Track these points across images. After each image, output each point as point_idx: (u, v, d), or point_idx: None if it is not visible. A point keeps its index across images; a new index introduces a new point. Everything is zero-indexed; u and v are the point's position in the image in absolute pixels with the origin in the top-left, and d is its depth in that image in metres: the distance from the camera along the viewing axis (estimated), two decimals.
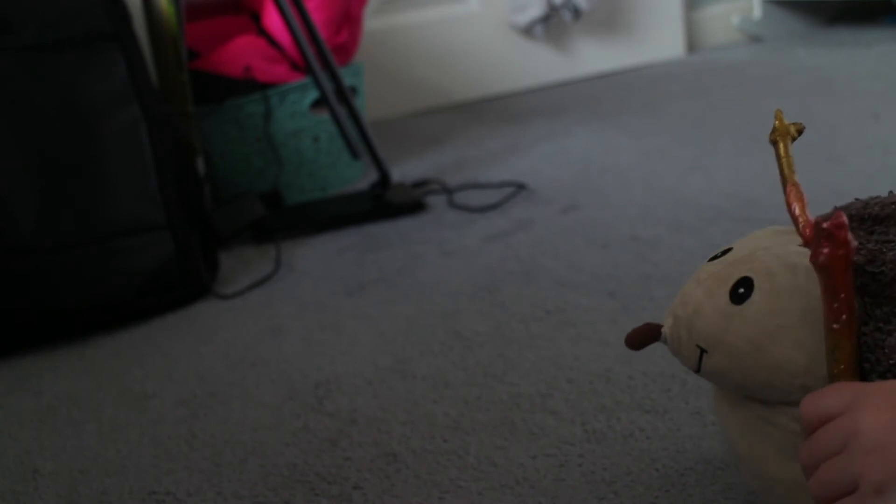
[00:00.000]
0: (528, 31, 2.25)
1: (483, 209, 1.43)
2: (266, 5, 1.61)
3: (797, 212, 0.56)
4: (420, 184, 1.57)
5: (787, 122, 0.58)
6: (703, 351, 0.57)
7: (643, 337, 0.61)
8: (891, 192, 0.64)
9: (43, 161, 1.12)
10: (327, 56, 1.46)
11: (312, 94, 1.55)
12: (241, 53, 1.54)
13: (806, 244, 0.54)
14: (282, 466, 0.81)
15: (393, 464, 0.79)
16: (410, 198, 1.48)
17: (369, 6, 1.78)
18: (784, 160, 0.58)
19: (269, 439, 0.86)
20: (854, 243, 0.51)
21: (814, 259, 0.51)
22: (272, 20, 1.58)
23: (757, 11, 2.52)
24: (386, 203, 1.47)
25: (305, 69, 1.50)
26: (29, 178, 1.12)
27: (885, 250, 0.56)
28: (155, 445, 0.87)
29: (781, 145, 0.58)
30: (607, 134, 1.77)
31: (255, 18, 1.67)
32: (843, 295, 0.51)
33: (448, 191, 1.52)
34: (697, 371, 0.59)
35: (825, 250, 0.50)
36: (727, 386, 0.59)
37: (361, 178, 1.67)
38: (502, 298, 1.10)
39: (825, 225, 0.50)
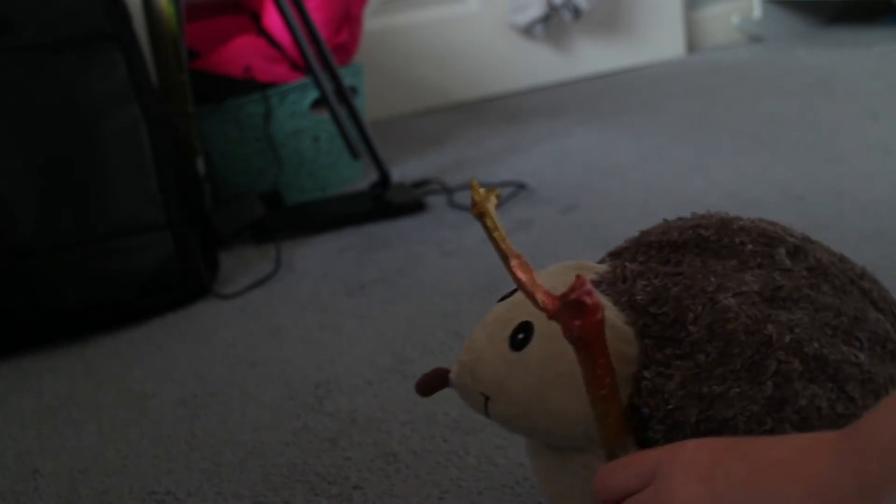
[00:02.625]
0: (528, 31, 2.25)
1: None
2: (266, 5, 1.61)
3: (530, 286, 0.50)
4: (420, 184, 1.57)
5: (481, 191, 0.52)
6: (487, 398, 0.56)
7: (432, 382, 0.60)
8: (704, 212, 0.61)
9: (43, 161, 1.12)
10: (327, 56, 1.46)
11: (312, 94, 1.55)
12: (241, 53, 1.54)
13: (550, 317, 0.49)
14: (282, 466, 0.81)
15: (393, 464, 0.79)
16: (410, 198, 1.48)
17: (369, 6, 1.78)
18: (496, 233, 0.51)
19: (269, 439, 0.86)
20: (602, 303, 0.49)
21: (568, 334, 0.48)
22: (272, 20, 1.58)
23: (757, 11, 2.52)
24: (386, 203, 1.47)
25: (305, 69, 1.50)
26: (29, 178, 1.12)
27: (670, 286, 0.53)
28: (155, 445, 0.87)
29: (488, 218, 0.52)
30: (607, 134, 1.77)
31: (255, 18, 1.67)
32: (602, 360, 0.49)
33: (448, 191, 1.52)
34: (487, 416, 0.57)
35: (577, 323, 0.47)
36: (516, 431, 0.58)
37: (361, 178, 1.67)
38: None
39: (572, 296, 0.47)
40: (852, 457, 0.38)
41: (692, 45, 2.49)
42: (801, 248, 0.57)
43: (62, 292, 1.12)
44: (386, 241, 1.36)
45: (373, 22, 2.02)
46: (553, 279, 0.56)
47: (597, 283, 0.56)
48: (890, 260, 1.03)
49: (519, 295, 0.57)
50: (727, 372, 0.50)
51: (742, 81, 2.06)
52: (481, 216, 0.52)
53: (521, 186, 1.50)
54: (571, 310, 0.47)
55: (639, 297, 0.54)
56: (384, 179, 1.50)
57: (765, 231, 0.58)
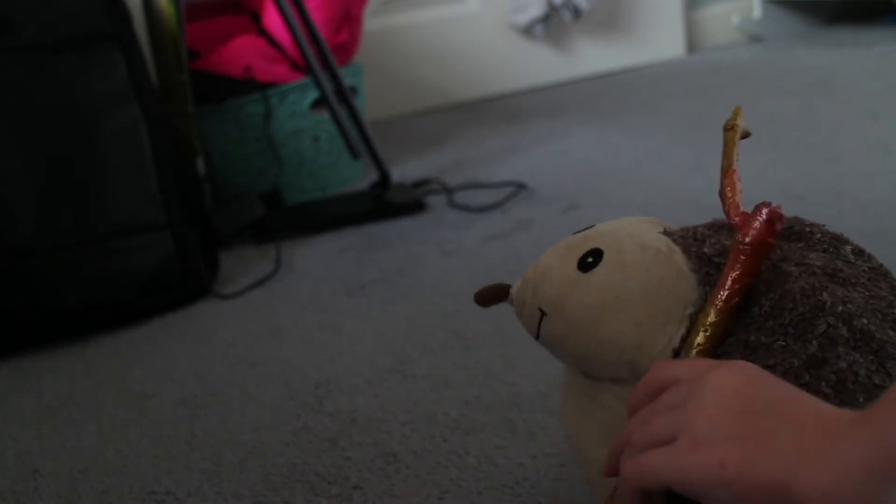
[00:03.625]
0: (528, 31, 2.25)
1: (483, 209, 1.43)
2: (266, 5, 1.61)
3: (729, 193, 0.56)
4: (420, 184, 1.57)
5: (741, 121, 0.61)
6: (543, 314, 0.57)
7: (492, 294, 0.61)
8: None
9: (43, 161, 1.12)
10: (327, 56, 1.46)
11: (312, 94, 1.55)
12: (241, 53, 1.54)
13: (732, 225, 0.54)
14: (282, 466, 0.81)
15: (393, 464, 0.79)
16: (410, 198, 1.48)
17: (369, 6, 1.78)
18: (732, 148, 0.59)
19: (269, 439, 0.86)
20: (675, 247, 0.54)
21: (741, 236, 0.51)
22: (272, 20, 1.58)
23: (757, 11, 2.52)
24: (386, 203, 1.47)
25: (305, 69, 1.50)
26: (29, 178, 1.12)
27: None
28: (155, 445, 0.87)
29: (731, 133, 0.60)
30: (607, 134, 1.77)
31: (255, 18, 1.67)
32: (746, 279, 0.52)
33: (448, 191, 1.52)
34: (537, 337, 0.59)
35: (755, 232, 0.51)
36: (561, 355, 0.59)
37: (361, 178, 1.67)
38: None
39: (772, 207, 0.51)
40: (871, 447, 0.38)
41: (692, 45, 2.49)
42: (864, 251, 0.60)
43: (62, 292, 1.12)
44: (386, 241, 1.36)
45: (373, 22, 2.02)
46: (626, 223, 0.60)
47: (669, 234, 0.59)
48: (890, 260, 1.03)
49: (596, 229, 0.59)
50: (776, 325, 0.52)
51: (742, 81, 2.06)
52: (727, 129, 0.59)
53: (521, 186, 1.50)
54: (763, 220, 0.51)
55: (706, 250, 0.56)
56: (384, 179, 1.50)
57: (833, 232, 0.61)
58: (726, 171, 0.58)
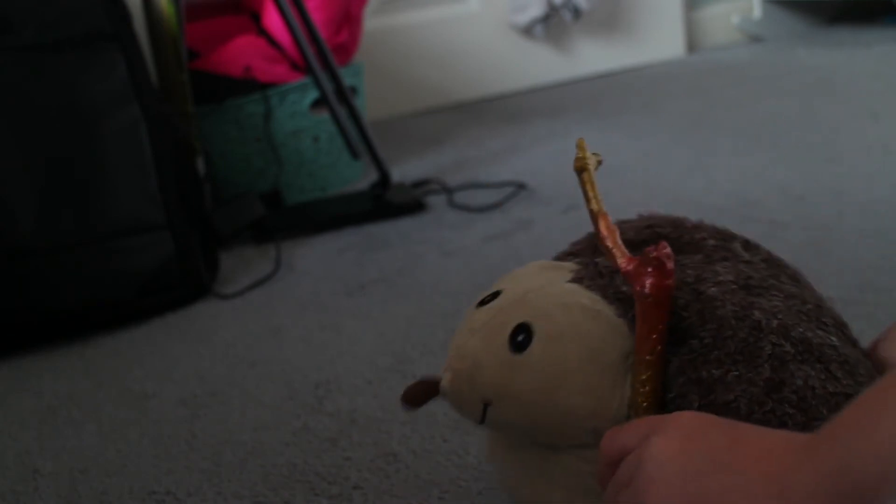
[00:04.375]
0: (528, 31, 2.25)
1: (483, 209, 1.43)
2: (266, 5, 1.61)
3: (610, 243, 0.53)
4: (420, 184, 1.57)
5: (588, 152, 0.57)
6: (486, 405, 0.54)
7: (420, 394, 0.57)
8: (641, 214, 0.64)
9: (43, 161, 1.12)
10: (327, 56, 1.46)
11: (312, 94, 1.55)
12: (241, 53, 1.54)
13: (625, 276, 0.52)
14: (282, 466, 0.81)
15: (393, 464, 0.79)
16: (410, 198, 1.48)
17: (369, 6, 1.78)
18: (591, 190, 0.56)
19: (269, 439, 0.86)
20: (595, 297, 0.52)
21: (640, 288, 0.50)
22: (272, 20, 1.58)
23: (757, 11, 2.52)
24: (386, 203, 1.47)
25: (305, 69, 1.50)
26: (29, 178, 1.12)
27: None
28: (155, 445, 0.87)
29: (586, 174, 0.56)
30: (607, 134, 1.77)
31: (255, 18, 1.67)
32: (660, 326, 0.50)
33: (448, 191, 1.52)
34: (481, 422, 0.56)
35: (651, 280, 0.49)
36: (513, 434, 0.57)
37: (361, 178, 1.67)
38: None
39: (654, 253, 0.49)
40: (833, 470, 0.38)
41: (692, 45, 2.49)
42: (750, 242, 0.59)
43: (62, 292, 1.12)
44: (386, 241, 1.36)
45: (373, 22, 2.02)
46: (530, 279, 0.57)
47: (578, 280, 0.56)
48: (890, 260, 1.03)
49: (506, 297, 0.56)
50: (722, 356, 0.51)
51: (742, 81, 2.06)
52: (582, 170, 0.56)
53: (521, 186, 1.50)
54: (651, 266, 0.49)
55: (624, 289, 0.54)
56: (384, 179, 1.50)
57: (716, 227, 0.60)
58: (597, 216, 0.55)
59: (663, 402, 0.52)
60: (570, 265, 0.59)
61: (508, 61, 2.27)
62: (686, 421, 0.45)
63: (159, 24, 1.43)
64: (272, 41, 1.59)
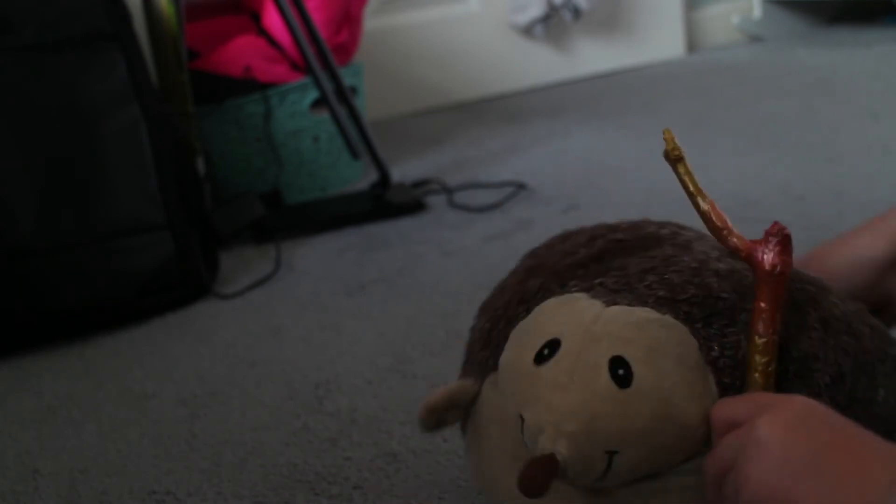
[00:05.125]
0: (528, 31, 2.25)
1: (483, 209, 1.43)
2: (266, 5, 1.61)
3: (721, 224, 0.54)
4: (420, 184, 1.57)
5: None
6: (612, 455, 0.51)
7: (542, 475, 0.51)
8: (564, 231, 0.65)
9: (43, 161, 1.12)
10: (327, 56, 1.46)
11: (312, 94, 1.55)
12: (241, 53, 1.54)
13: (747, 257, 0.52)
14: (282, 466, 0.81)
15: (393, 464, 0.79)
16: (410, 198, 1.48)
17: (369, 6, 1.77)
18: (690, 179, 0.56)
19: (269, 439, 0.86)
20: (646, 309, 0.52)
21: (772, 266, 0.51)
22: (272, 20, 1.58)
23: (757, 11, 2.52)
24: (386, 203, 1.47)
25: (305, 69, 1.50)
26: (29, 179, 1.12)
27: (666, 274, 0.56)
28: (155, 445, 0.87)
29: (682, 164, 0.56)
30: (607, 134, 1.77)
31: (255, 18, 1.67)
32: (781, 303, 0.51)
33: (448, 191, 1.52)
34: (599, 480, 0.52)
35: (778, 258, 0.51)
36: (624, 479, 0.53)
37: (361, 178, 1.67)
38: None
39: (783, 231, 0.51)
40: None
41: (692, 45, 2.49)
42: (672, 225, 0.62)
43: (62, 292, 1.12)
44: (386, 241, 1.36)
45: (373, 22, 2.02)
46: (568, 317, 0.54)
47: (613, 302, 0.55)
48: None
49: (568, 346, 0.52)
50: (809, 325, 0.54)
51: (742, 81, 2.06)
52: (677, 160, 0.56)
53: (521, 186, 1.50)
54: (775, 244, 0.51)
55: (660, 294, 0.54)
56: (384, 179, 1.50)
57: (652, 220, 0.62)
58: (702, 202, 0.55)
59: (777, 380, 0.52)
60: (579, 295, 0.56)
61: (508, 61, 2.27)
62: (796, 407, 0.46)
63: (159, 24, 1.43)
64: (272, 41, 1.59)
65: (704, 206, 0.54)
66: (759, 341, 0.51)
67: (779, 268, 0.51)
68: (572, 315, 0.54)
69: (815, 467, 0.42)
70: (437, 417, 0.61)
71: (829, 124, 1.62)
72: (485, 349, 0.63)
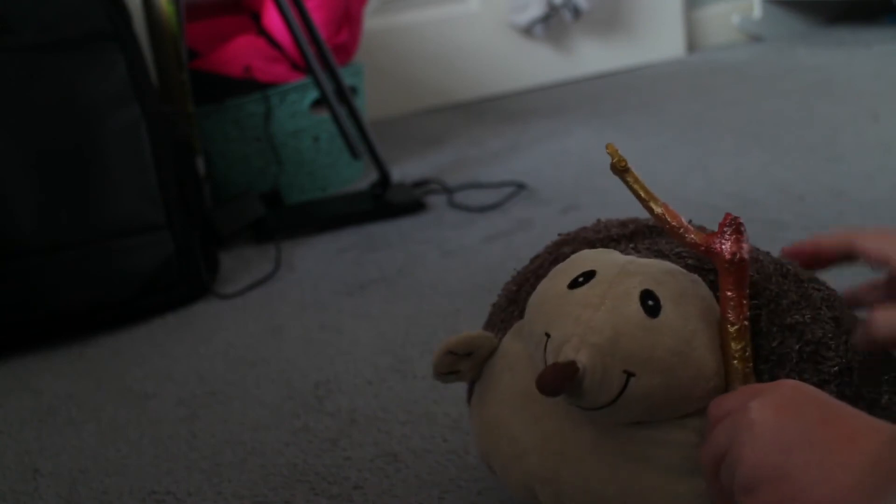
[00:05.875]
0: (528, 30, 2.25)
1: (483, 209, 1.43)
2: (266, 5, 1.61)
3: (681, 227, 0.56)
4: (420, 184, 1.57)
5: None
6: (629, 376, 0.52)
7: (559, 378, 0.52)
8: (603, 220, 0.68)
9: (43, 161, 1.12)
10: (327, 56, 1.46)
11: (312, 94, 1.55)
12: (241, 53, 1.54)
13: (706, 250, 0.54)
14: (282, 466, 0.81)
15: (393, 464, 0.79)
16: (410, 198, 1.48)
17: (369, 6, 1.78)
18: (638, 185, 0.58)
19: (269, 439, 0.86)
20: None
21: (729, 255, 0.53)
22: (272, 20, 1.58)
23: (757, 11, 2.52)
24: (386, 203, 1.47)
25: (305, 69, 1.50)
26: (29, 178, 1.12)
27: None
28: (155, 445, 0.87)
29: (630, 173, 0.59)
30: (607, 134, 1.77)
31: (255, 18, 1.67)
32: (746, 290, 0.53)
33: (448, 191, 1.52)
34: (609, 404, 0.53)
35: (736, 245, 0.52)
36: (634, 413, 0.54)
37: (361, 178, 1.67)
38: None
39: (735, 220, 0.53)
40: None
41: (692, 45, 2.49)
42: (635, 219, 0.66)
43: (62, 292, 1.12)
44: (386, 241, 1.36)
45: (373, 22, 2.02)
46: (607, 258, 0.57)
47: (647, 256, 0.58)
48: None
49: (604, 274, 0.55)
50: (792, 303, 0.55)
51: (742, 81, 2.06)
52: (624, 171, 0.58)
53: (521, 186, 1.50)
54: (730, 233, 0.53)
55: (689, 262, 0.57)
56: (384, 179, 1.50)
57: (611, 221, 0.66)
58: (654, 207, 0.57)
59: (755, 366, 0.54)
60: (614, 250, 0.60)
61: (508, 61, 2.27)
62: (785, 391, 0.47)
63: (159, 24, 1.43)
64: (272, 41, 1.59)
65: (658, 209, 0.56)
66: (732, 329, 0.53)
67: (738, 255, 0.52)
68: (608, 257, 0.58)
69: (806, 442, 0.44)
70: (452, 363, 0.61)
71: (829, 124, 1.62)
72: (511, 305, 0.64)
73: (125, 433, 0.90)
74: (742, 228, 0.53)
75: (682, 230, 0.55)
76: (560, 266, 0.59)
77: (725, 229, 0.53)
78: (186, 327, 1.14)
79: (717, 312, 0.54)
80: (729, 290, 0.53)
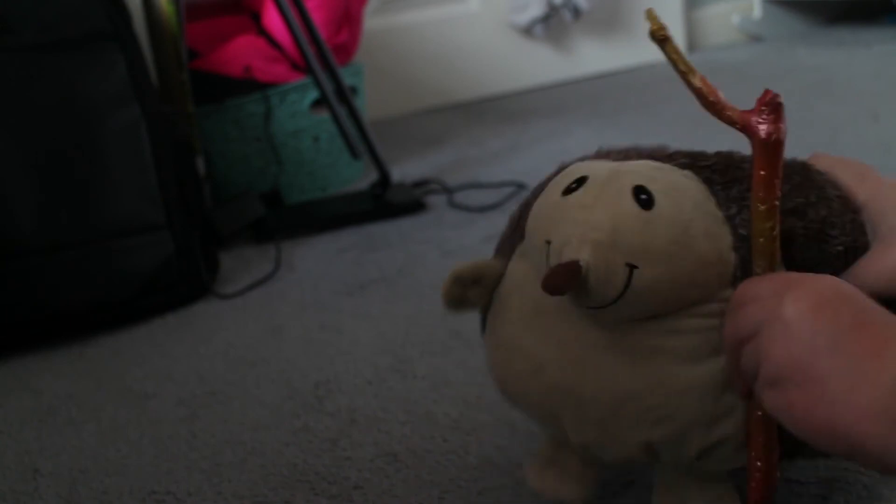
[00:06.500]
0: (528, 30, 2.25)
1: (483, 209, 1.43)
2: (266, 5, 1.61)
3: (721, 97, 0.56)
4: (420, 184, 1.57)
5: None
6: (632, 269, 0.53)
7: (564, 278, 0.53)
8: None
9: (43, 161, 1.12)
10: (327, 56, 1.46)
11: (312, 94, 1.55)
12: (241, 53, 1.54)
13: (743, 125, 0.55)
14: (282, 466, 0.81)
15: (393, 464, 0.79)
16: (410, 198, 1.48)
17: (369, 6, 1.78)
18: (679, 57, 0.56)
19: (269, 439, 0.86)
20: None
21: (765, 134, 0.53)
22: (272, 20, 1.58)
23: (757, 11, 2.52)
24: (386, 203, 1.47)
25: (305, 69, 1.50)
26: (29, 179, 1.12)
27: (685, 150, 0.62)
28: (155, 445, 0.87)
29: (669, 43, 0.56)
30: (607, 133, 1.77)
31: (255, 18, 1.67)
32: (780, 172, 0.53)
33: (448, 191, 1.52)
34: (616, 299, 0.53)
35: (773, 125, 0.53)
36: (643, 307, 0.54)
37: (361, 178, 1.67)
38: None
39: (774, 99, 0.53)
40: None
41: (692, 45, 2.49)
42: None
43: (62, 292, 1.12)
44: (386, 241, 1.36)
45: (373, 22, 2.02)
46: (600, 164, 0.58)
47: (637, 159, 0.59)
48: None
49: (596, 176, 0.56)
50: (795, 186, 0.56)
51: (742, 81, 2.06)
52: (663, 40, 0.56)
53: (520, 186, 1.50)
54: (768, 112, 0.53)
55: (682, 161, 0.58)
56: (384, 179, 1.50)
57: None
58: (691, 76, 0.55)
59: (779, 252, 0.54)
60: (604, 161, 0.61)
61: (508, 61, 2.27)
62: (822, 288, 0.47)
63: (159, 24, 1.43)
64: (272, 41, 1.59)
65: (696, 82, 0.55)
66: (762, 207, 0.52)
67: (774, 135, 0.53)
68: (599, 164, 0.58)
69: (837, 347, 0.44)
70: (461, 292, 0.62)
71: (829, 124, 1.62)
72: (514, 232, 0.65)
73: (125, 433, 0.90)
74: (781, 108, 0.53)
75: (719, 105, 0.55)
76: (553, 179, 0.60)
77: (763, 108, 0.53)
78: (186, 327, 1.14)
79: (711, 203, 0.55)
80: (762, 170, 0.53)
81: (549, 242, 0.55)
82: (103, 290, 1.14)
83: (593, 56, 2.35)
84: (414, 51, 2.18)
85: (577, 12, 2.20)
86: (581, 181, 0.56)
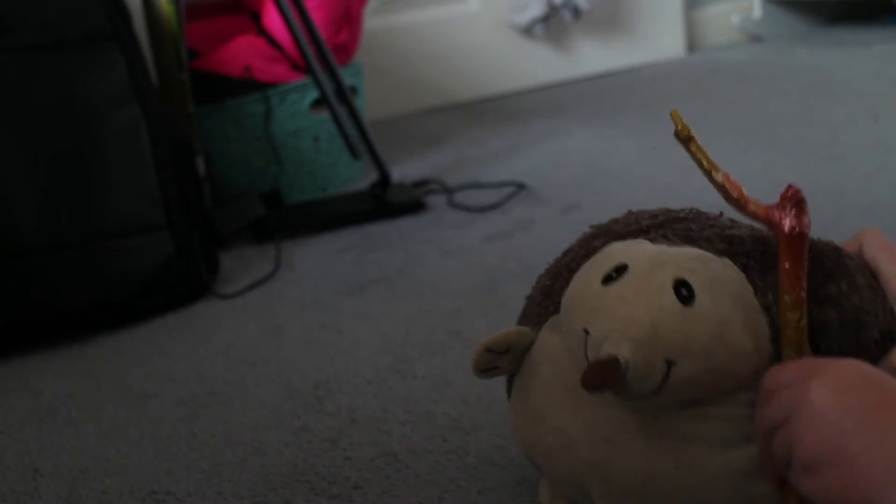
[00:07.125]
0: (528, 30, 2.25)
1: (483, 209, 1.43)
2: (266, 5, 1.61)
3: (744, 193, 0.57)
4: (420, 184, 1.57)
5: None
6: (670, 365, 0.53)
7: (605, 375, 0.53)
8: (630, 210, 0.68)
9: (43, 161, 1.12)
10: (327, 56, 1.46)
11: (312, 94, 1.55)
12: (241, 53, 1.54)
13: (767, 221, 0.55)
14: (282, 466, 0.81)
15: (393, 464, 0.79)
16: (410, 198, 1.48)
17: (369, 6, 1.78)
18: (703, 154, 0.58)
19: (269, 439, 0.86)
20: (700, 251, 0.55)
21: (793, 227, 0.53)
22: (272, 20, 1.58)
23: (757, 11, 2.52)
24: (386, 203, 1.47)
25: (305, 69, 1.50)
26: (29, 178, 1.12)
27: (719, 230, 0.61)
28: (155, 445, 0.87)
29: (694, 142, 0.58)
30: (607, 133, 1.77)
31: (255, 18, 1.67)
32: (805, 262, 0.53)
33: (448, 191, 1.53)
34: (656, 392, 0.54)
35: (797, 219, 0.53)
36: (679, 398, 0.55)
37: (361, 178, 1.67)
38: (502, 298, 1.10)
39: (796, 194, 0.53)
40: None
41: (692, 45, 2.49)
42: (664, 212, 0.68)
43: (62, 292, 1.12)
44: (386, 241, 1.36)
45: (373, 22, 2.02)
46: (636, 250, 0.58)
47: (669, 244, 0.60)
48: None
49: (637, 267, 0.57)
50: (827, 275, 0.56)
51: (742, 81, 2.06)
52: (688, 140, 0.57)
53: (521, 186, 1.50)
54: (791, 206, 0.53)
55: (719, 247, 0.58)
56: (384, 179, 1.50)
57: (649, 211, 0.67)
58: (716, 175, 0.58)
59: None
60: (644, 240, 0.61)
61: (508, 61, 2.27)
62: (845, 370, 0.48)
63: (159, 24, 1.43)
64: (272, 41, 1.59)
65: (719, 178, 0.57)
66: (788, 298, 0.53)
67: (797, 229, 0.53)
68: (639, 249, 0.59)
69: (867, 425, 0.45)
70: (491, 360, 0.62)
71: (829, 124, 1.62)
72: (546, 300, 0.65)
73: (125, 433, 0.90)
74: (803, 203, 0.53)
75: (742, 200, 0.56)
76: (592, 260, 0.60)
77: (786, 202, 0.54)
78: (186, 327, 1.14)
79: (750, 293, 0.55)
80: (787, 262, 0.53)
81: (587, 332, 0.56)
82: (103, 290, 1.14)
83: (593, 56, 2.35)
84: (414, 51, 2.18)
85: (577, 12, 2.20)
86: (621, 269, 0.57)
